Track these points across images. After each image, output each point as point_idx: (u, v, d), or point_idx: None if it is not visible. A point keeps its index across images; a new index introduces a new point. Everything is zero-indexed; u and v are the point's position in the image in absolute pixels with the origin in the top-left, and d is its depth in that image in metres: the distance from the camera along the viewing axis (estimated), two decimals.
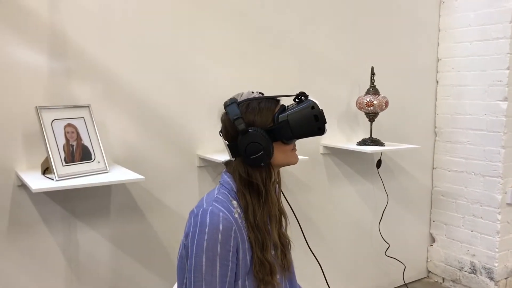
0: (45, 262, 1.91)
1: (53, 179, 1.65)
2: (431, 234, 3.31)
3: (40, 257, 1.90)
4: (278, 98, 1.34)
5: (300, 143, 2.48)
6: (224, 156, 2.20)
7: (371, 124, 2.63)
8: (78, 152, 1.75)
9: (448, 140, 3.13)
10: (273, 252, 1.33)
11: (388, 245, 2.95)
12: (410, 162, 3.11)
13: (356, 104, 2.60)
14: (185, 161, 2.22)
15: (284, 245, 1.39)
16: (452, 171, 3.12)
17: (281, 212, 1.41)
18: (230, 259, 1.20)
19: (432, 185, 3.26)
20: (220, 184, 1.34)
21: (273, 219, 1.31)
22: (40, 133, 1.68)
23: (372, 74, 2.60)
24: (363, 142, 2.61)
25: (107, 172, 1.80)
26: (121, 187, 2.05)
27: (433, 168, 3.25)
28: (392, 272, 3.06)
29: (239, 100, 1.32)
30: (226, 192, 1.29)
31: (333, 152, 2.71)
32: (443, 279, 3.23)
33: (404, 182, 3.10)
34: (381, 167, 2.88)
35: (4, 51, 1.76)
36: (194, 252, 1.19)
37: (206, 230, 1.19)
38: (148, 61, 2.07)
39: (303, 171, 2.62)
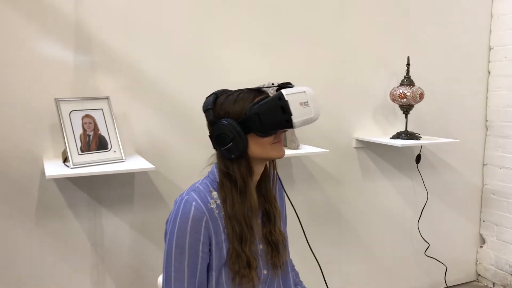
0: (71, 244, 2.03)
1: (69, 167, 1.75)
2: (481, 235, 3.10)
3: (66, 240, 2.02)
4: (263, 89, 1.30)
5: (330, 135, 2.47)
6: None
7: (406, 117, 2.51)
8: (94, 142, 1.84)
9: (500, 134, 2.91)
10: (260, 247, 1.32)
11: (428, 245, 2.81)
12: (457, 158, 2.93)
13: (390, 96, 2.49)
14: (208, 153, 2.25)
15: (275, 242, 1.34)
16: (504, 168, 2.90)
17: (274, 208, 1.35)
18: (201, 248, 1.21)
19: (482, 182, 3.05)
20: (207, 174, 1.35)
21: (254, 213, 1.29)
22: (59, 124, 1.78)
23: (407, 64, 2.48)
24: (397, 136, 2.50)
25: (122, 161, 1.87)
26: (144, 177, 2.13)
27: (484, 165, 3.03)
28: (434, 273, 2.91)
29: None
30: (208, 182, 1.30)
31: (367, 146, 2.62)
32: (493, 283, 3.01)
33: (449, 179, 2.93)
34: (421, 162, 2.75)
35: (33, 46, 1.88)
36: (167, 239, 1.22)
37: (178, 218, 1.21)
38: (172, 54, 2.12)
39: (333, 164, 2.56)
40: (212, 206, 1.24)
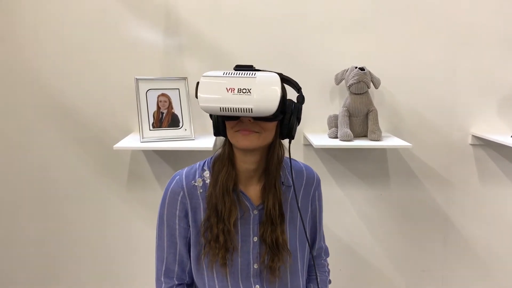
0: (155, 213, 2.22)
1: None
2: None
3: (151, 208, 2.21)
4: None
5: (439, 128, 2.17)
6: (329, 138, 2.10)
7: None
8: (166, 119, 1.95)
9: None
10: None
11: None
12: None
13: None
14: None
15: (270, 244, 1.21)
16: None
17: (274, 208, 1.21)
18: (177, 222, 1.23)
19: None
20: None
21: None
22: (136, 101, 1.94)
23: None
24: None
25: (192, 139, 1.95)
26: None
27: None
28: None
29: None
30: (207, 161, 1.29)
31: (488, 144, 2.22)
32: None
33: None
34: None
35: (127, 30, 2.08)
36: None
37: (164, 190, 1.26)
38: (257, 37, 2.10)
39: (441, 161, 2.25)
40: (196, 184, 1.23)
